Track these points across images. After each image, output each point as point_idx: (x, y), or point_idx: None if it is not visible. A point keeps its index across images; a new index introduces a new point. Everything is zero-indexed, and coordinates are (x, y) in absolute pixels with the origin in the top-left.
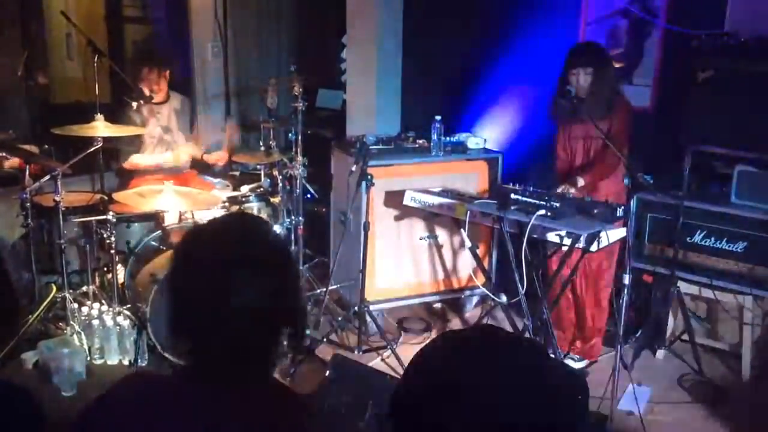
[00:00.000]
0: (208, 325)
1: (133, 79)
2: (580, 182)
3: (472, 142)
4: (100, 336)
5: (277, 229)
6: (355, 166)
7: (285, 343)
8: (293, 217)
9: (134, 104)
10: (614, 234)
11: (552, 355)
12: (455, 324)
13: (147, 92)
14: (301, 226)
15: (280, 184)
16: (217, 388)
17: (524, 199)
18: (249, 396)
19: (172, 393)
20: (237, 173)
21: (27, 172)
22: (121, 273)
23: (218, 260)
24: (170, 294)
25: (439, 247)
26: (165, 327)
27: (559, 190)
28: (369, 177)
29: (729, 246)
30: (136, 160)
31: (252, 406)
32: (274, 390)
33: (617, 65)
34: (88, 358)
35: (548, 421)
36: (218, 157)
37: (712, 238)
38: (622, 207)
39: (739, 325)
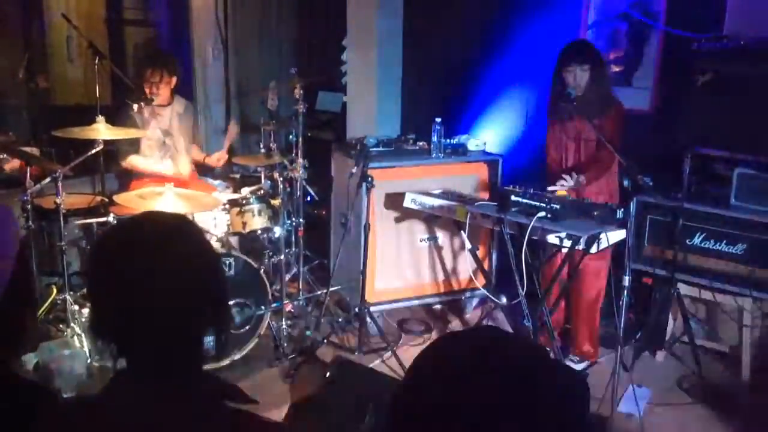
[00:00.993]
0: (124, 325)
1: (135, 81)
2: (582, 180)
3: (472, 144)
4: None
5: (277, 231)
6: (355, 168)
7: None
8: (294, 219)
9: (135, 106)
10: (614, 236)
11: (552, 356)
12: (455, 325)
13: (148, 94)
14: (302, 228)
15: (281, 186)
16: (144, 392)
17: (524, 201)
18: (177, 397)
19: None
20: (237, 175)
21: (28, 174)
22: None
23: (132, 257)
24: (89, 295)
25: (439, 249)
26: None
27: (556, 187)
28: (369, 179)
29: (728, 248)
30: (134, 162)
31: (181, 406)
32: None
33: (617, 68)
34: (89, 360)
35: (551, 422)
36: (219, 157)
37: (712, 240)
38: (622, 209)
39: (738, 327)
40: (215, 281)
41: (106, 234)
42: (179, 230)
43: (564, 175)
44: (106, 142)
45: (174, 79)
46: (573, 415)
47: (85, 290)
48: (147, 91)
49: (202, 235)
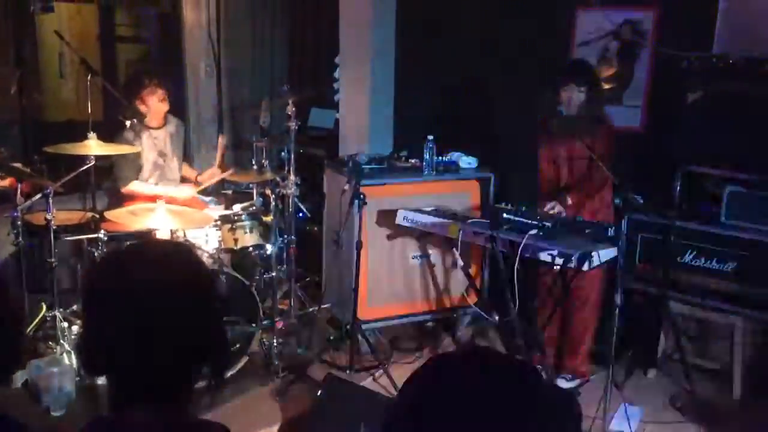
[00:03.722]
0: (115, 345)
1: (127, 98)
2: (569, 201)
3: (464, 161)
4: None
5: (269, 248)
6: (347, 185)
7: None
8: (286, 236)
9: (128, 123)
10: (605, 254)
11: (543, 376)
12: (447, 343)
13: (144, 111)
14: (294, 245)
15: (273, 203)
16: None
17: (516, 218)
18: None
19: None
20: (229, 192)
21: (18, 191)
22: None
23: (129, 286)
24: (83, 312)
25: (431, 266)
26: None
27: (546, 209)
28: (361, 196)
29: (719, 266)
30: (136, 188)
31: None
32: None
33: (607, 86)
34: (78, 378)
35: None
36: (211, 174)
37: (703, 258)
38: (613, 227)
39: (729, 345)
40: (210, 311)
41: (106, 254)
42: (177, 254)
43: (548, 203)
44: (98, 159)
45: (167, 97)
46: None
47: (74, 307)
48: (144, 109)
49: (200, 261)
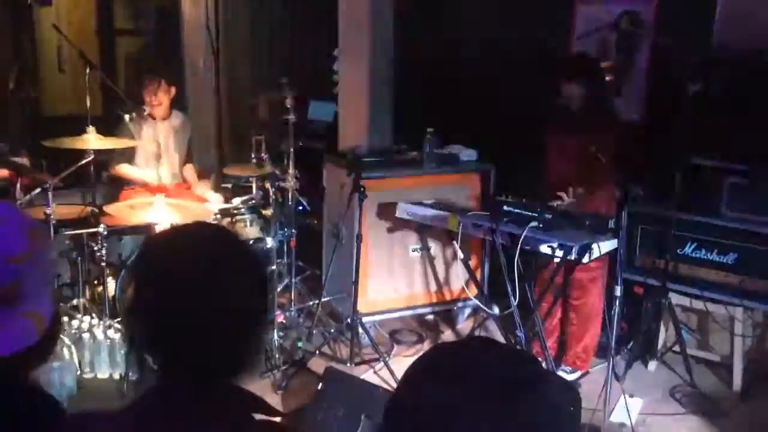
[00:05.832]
0: (168, 335)
1: (134, 91)
2: (579, 191)
3: (464, 154)
4: (91, 349)
5: (269, 241)
6: (347, 178)
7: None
8: (285, 230)
9: (127, 116)
10: (606, 245)
11: (544, 366)
12: (448, 336)
13: (148, 103)
14: (293, 239)
15: (272, 197)
16: (178, 404)
17: (516, 211)
18: (212, 410)
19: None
20: (229, 185)
21: (18, 185)
22: (112, 286)
23: (189, 270)
24: (134, 300)
25: (431, 259)
26: (131, 340)
27: (555, 203)
28: (361, 189)
29: (720, 257)
30: (123, 170)
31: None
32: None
33: (607, 78)
34: (79, 372)
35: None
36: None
37: (703, 250)
38: (614, 219)
39: (730, 337)
40: (263, 296)
41: (156, 240)
42: (236, 241)
43: (560, 193)
44: (98, 152)
45: (173, 90)
46: (565, 425)
47: (74, 302)
48: (147, 100)
49: (251, 247)
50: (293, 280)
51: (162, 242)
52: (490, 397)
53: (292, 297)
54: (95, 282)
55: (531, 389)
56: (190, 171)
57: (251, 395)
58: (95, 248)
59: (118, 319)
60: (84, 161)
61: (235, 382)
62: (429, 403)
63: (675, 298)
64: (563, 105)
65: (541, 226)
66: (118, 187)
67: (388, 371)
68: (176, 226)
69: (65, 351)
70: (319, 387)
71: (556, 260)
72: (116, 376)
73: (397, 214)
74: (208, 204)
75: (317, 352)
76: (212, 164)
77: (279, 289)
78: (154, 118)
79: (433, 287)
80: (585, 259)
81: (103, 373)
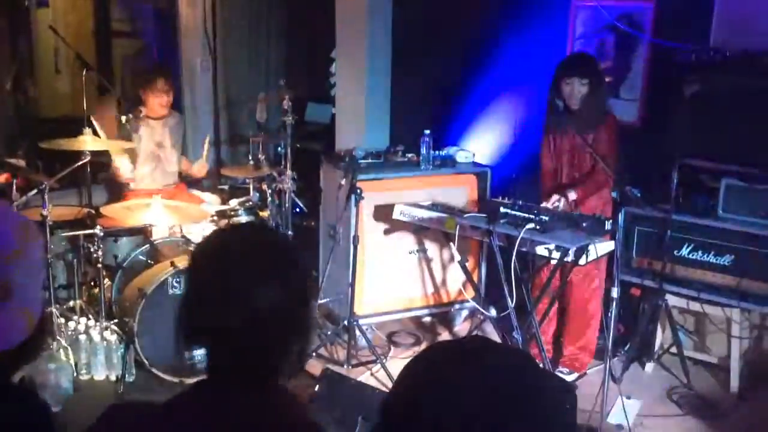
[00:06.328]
0: (223, 336)
1: (124, 92)
2: (572, 195)
3: (461, 156)
4: (87, 351)
5: None
6: (344, 179)
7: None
8: (282, 231)
9: (123, 118)
10: (602, 247)
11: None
12: (445, 338)
13: (156, 106)
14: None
15: (269, 198)
16: (226, 399)
17: (513, 212)
18: (257, 407)
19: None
20: (226, 187)
21: (14, 186)
22: (108, 287)
23: (237, 269)
24: (192, 294)
25: (428, 261)
26: (179, 334)
27: (549, 204)
28: (358, 191)
29: (716, 259)
30: (119, 163)
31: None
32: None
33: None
34: (75, 374)
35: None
36: (200, 166)
37: (700, 252)
38: (611, 220)
39: (726, 338)
40: (309, 295)
41: (214, 237)
42: (284, 241)
43: (554, 195)
44: (93, 154)
45: (173, 91)
46: (561, 425)
47: (70, 303)
48: (156, 101)
49: (296, 247)
50: None
51: (218, 242)
52: (486, 395)
53: None
54: (91, 283)
55: (528, 388)
56: (185, 163)
57: (293, 395)
58: (91, 250)
59: (115, 321)
60: (80, 162)
61: (281, 382)
62: (424, 402)
63: (672, 300)
64: (559, 104)
65: (538, 227)
66: (118, 188)
67: (385, 373)
68: (230, 226)
69: (61, 352)
70: (316, 389)
71: (553, 262)
72: (112, 378)
73: (394, 216)
74: (205, 205)
75: (314, 354)
76: (209, 166)
77: None
78: (152, 118)
79: (430, 289)
80: (582, 261)
81: (99, 375)
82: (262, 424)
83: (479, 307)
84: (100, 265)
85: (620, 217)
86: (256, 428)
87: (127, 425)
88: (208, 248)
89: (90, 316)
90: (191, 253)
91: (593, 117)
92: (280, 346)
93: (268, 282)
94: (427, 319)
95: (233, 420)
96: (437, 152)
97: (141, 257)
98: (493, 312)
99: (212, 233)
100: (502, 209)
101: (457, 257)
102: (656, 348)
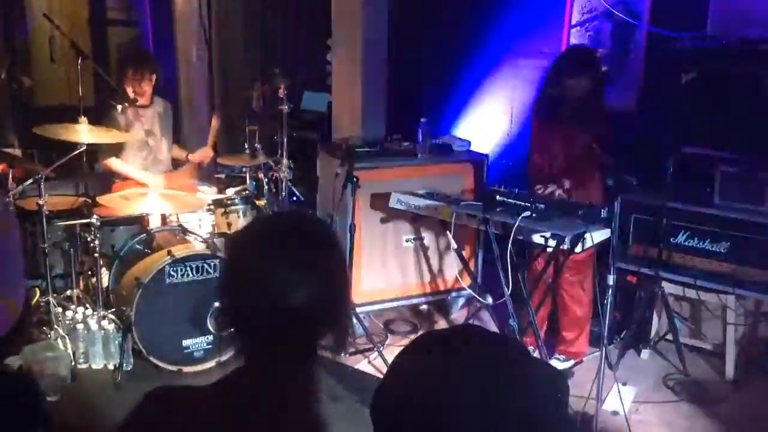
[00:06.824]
0: (260, 322)
1: (117, 81)
2: (567, 184)
3: (458, 144)
4: (85, 340)
5: None
6: (340, 168)
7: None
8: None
9: (119, 107)
10: (598, 235)
11: (537, 355)
12: (441, 325)
13: (131, 94)
14: None
15: (266, 187)
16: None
17: (509, 200)
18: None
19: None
20: (222, 176)
21: (10, 176)
22: (105, 276)
23: (276, 257)
24: (231, 283)
25: (425, 249)
26: (221, 320)
27: (545, 191)
28: (355, 179)
29: (712, 246)
30: (113, 164)
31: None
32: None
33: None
34: (73, 363)
35: (529, 419)
36: (203, 154)
37: (696, 239)
38: (606, 208)
39: (722, 325)
40: (346, 280)
41: (253, 223)
42: (323, 228)
43: (549, 184)
44: (89, 143)
45: (154, 77)
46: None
47: (67, 292)
48: (130, 90)
49: (335, 234)
50: None
51: (258, 228)
52: (474, 379)
53: None
54: (89, 273)
55: (515, 372)
56: (177, 150)
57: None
58: (88, 239)
59: (112, 310)
60: (76, 152)
61: (318, 365)
62: (414, 385)
63: (668, 287)
64: (554, 95)
65: (534, 215)
66: (108, 178)
67: (383, 361)
68: (274, 214)
69: (59, 342)
70: None
71: (549, 250)
72: (110, 367)
73: (391, 204)
74: (201, 194)
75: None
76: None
77: None
78: (140, 106)
79: (427, 277)
80: (578, 249)
81: (97, 364)
82: (310, 404)
83: (476, 295)
84: (97, 255)
85: (616, 205)
86: (305, 411)
87: (176, 408)
88: (247, 234)
89: (87, 306)
90: (229, 238)
91: (592, 110)
92: (318, 329)
93: (307, 269)
94: (424, 307)
95: (280, 401)
96: (434, 140)
97: (138, 246)
98: (489, 300)
99: (253, 220)
100: (498, 197)
101: (454, 245)
102: (652, 335)
